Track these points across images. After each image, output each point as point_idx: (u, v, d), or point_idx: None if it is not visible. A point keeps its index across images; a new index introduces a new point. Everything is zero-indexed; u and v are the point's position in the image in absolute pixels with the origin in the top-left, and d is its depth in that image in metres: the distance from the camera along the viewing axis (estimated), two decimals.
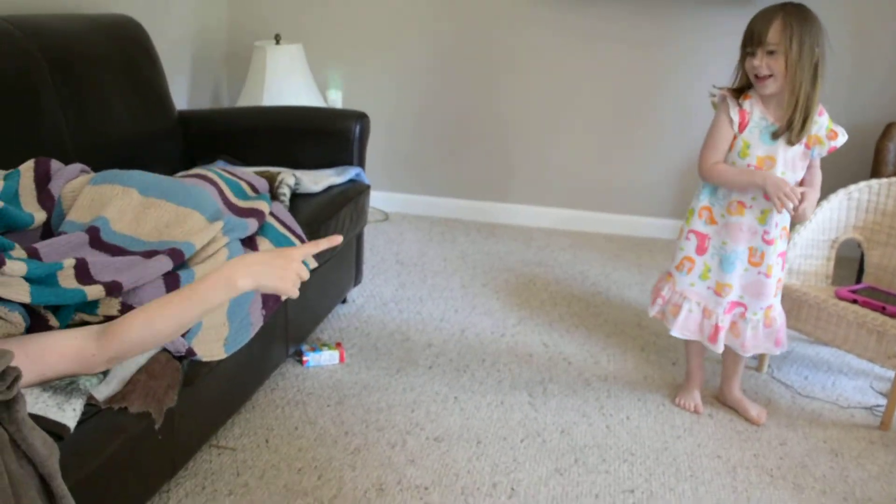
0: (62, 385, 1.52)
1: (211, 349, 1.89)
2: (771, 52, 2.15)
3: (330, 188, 2.80)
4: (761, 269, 2.36)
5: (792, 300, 2.60)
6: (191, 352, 1.80)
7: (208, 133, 3.07)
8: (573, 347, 2.88)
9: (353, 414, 2.41)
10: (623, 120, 3.96)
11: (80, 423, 1.52)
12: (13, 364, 1.34)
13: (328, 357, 2.67)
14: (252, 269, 1.55)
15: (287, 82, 3.78)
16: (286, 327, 2.44)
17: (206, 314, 1.56)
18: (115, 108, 2.69)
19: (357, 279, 3.07)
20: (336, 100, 4.20)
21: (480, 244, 3.87)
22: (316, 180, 2.76)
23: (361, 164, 2.98)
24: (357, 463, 2.19)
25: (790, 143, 2.24)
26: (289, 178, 2.67)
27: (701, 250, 2.41)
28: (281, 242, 2.29)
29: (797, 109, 2.19)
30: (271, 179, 2.65)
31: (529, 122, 4.05)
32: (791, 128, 2.22)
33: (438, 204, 4.26)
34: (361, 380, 2.60)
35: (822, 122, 2.26)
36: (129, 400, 1.61)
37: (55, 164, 2.14)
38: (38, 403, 1.46)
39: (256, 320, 2.08)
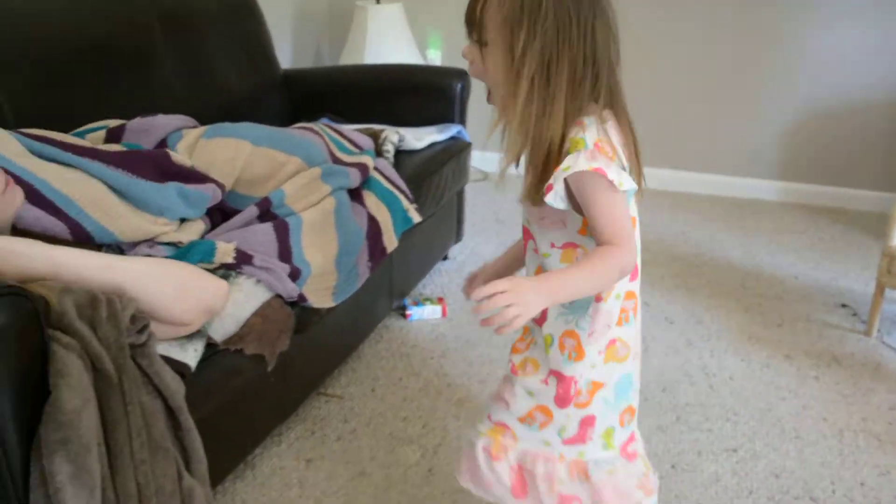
0: None
1: (321, 297, 1.94)
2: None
3: (432, 145, 2.82)
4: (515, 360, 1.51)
5: None
6: (302, 297, 1.85)
7: (312, 92, 3.12)
8: (675, 307, 2.85)
9: (456, 367, 2.44)
10: (728, 77, 3.86)
11: (199, 362, 1.59)
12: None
13: (431, 311, 2.70)
14: None
15: (387, 42, 3.79)
16: (390, 281, 2.47)
17: None
18: (222, 65, 2.75)
19: (458, 236, 3.09)
20: (434, 59, 4.20)
21: None
22: (418, 137, 2.78)
23: (463, 121, 2.98)
24: (461, 414, 2.22)
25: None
26: (392, 135, 2.70)
27: None
28: (386, 197, 2.32)
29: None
30: (375, 136, 2.68)
31: (629, 80, 3.98)
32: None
33: None
34: (463, 334, 2.62)
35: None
36: (245, 342, 1.67)
37: (137, 123, 2.16)
38: (162, 343, 1.52)
39: (363, 272, 2.12)
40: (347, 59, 3.89)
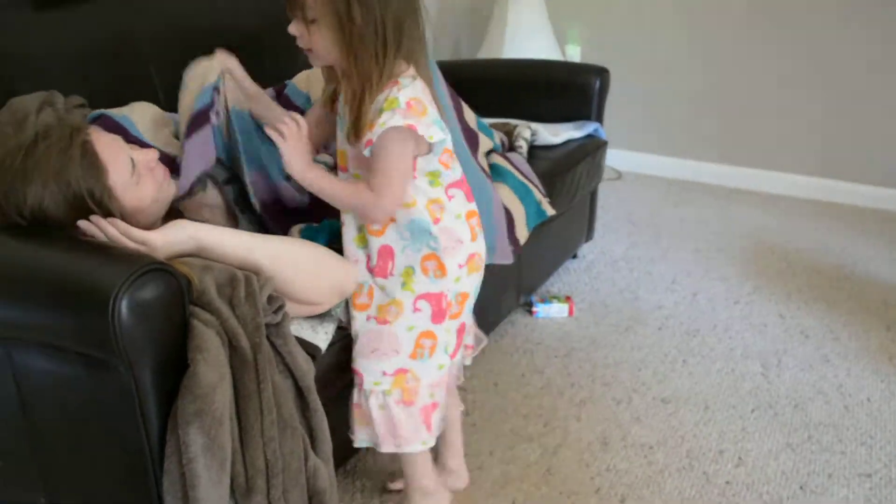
0: None
1: None
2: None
3: (568, 142, 2.79)
4: (370, 314, 1.65)
5: None
6: None
7: (449, 84, 3.13)
8: (812, 321, 2.74)
9: (580, 367, 2.42)
10: (875, 80, 3.67)
11: (329, 345, 1.62)
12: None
13: (557, 310, 2.68)
14: None
15: (526, 36, 3.79)
16: (519, 276, 2.47)
17: None
18: None
19: (589, 235, 3.06)
20: (574, 55, 4.17)
21: (717, 208, 3.73)
22: (554, 133, 2.77)
23: (600, 119, 2.95)
24: (582, 415, 2.20)
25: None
26: (524, 131, 2.69)
27: None
28: (519, 189, 2.32)
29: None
30: (508, 133, 2.68)
31: (776, 81, 3.84)
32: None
33: (674, 165, 4.14)
34: (589, 334, 2.60)
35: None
36: None
37: None
38: (294, 325, 1.56)
39: (502, 247, 2.13)
40: (486, 52, 3.90)
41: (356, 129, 1.48)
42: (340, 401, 1.64)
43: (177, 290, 1.28)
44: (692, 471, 2.01)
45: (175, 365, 1.29)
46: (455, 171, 1.60)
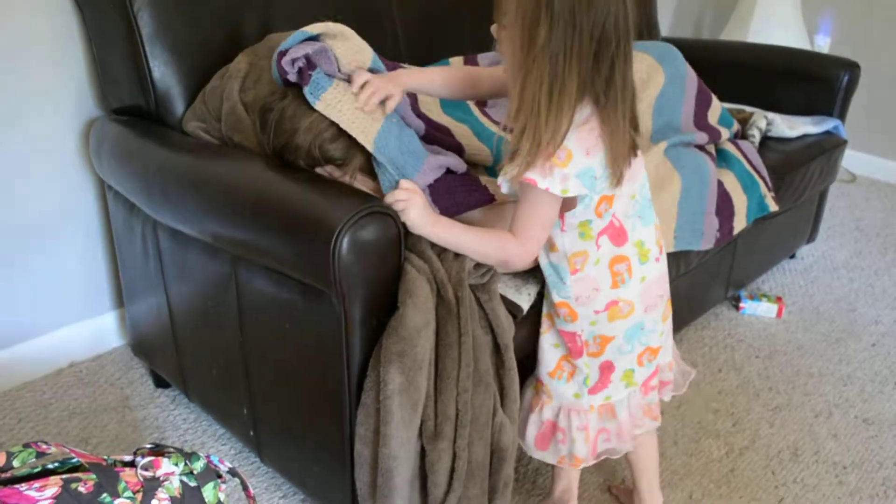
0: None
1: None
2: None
3: (804, 136, 2.66)
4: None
5: None
6: None
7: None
8: None
9: (781, 372, 2.32)
10: None
11: (531, 307, 1.64)
12: None
13: (766, 309, 2.58)
14: None
15: (774, 21, 3.62)
16: (730, 269, 2.39)
17: None
18: None
19: (811, 237, 2.92)
20: (823, 46, 3.94)
21: None
22: (791, 126, 2.64)
23: (843, 116, 2.78)
24: (776, 421, 2.12)
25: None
26: (760, 120, 2.58)
27: None
28: (745, 179, 2.23)
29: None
30: (743, 120, 2.59)
31: None
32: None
33: None
34: (796, 339, 2.49)
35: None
36: None
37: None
38: (500, 283, 1.58)
39: (709, 234, 2.06)
40: (729, 34, 3.76)
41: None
42: (529, 364, 1.66)
43: (395, 234, 1.33)
44: (887, 499, 1.90)
45: (384, 305, 1.35)
46: (606, 217, 1.41)
